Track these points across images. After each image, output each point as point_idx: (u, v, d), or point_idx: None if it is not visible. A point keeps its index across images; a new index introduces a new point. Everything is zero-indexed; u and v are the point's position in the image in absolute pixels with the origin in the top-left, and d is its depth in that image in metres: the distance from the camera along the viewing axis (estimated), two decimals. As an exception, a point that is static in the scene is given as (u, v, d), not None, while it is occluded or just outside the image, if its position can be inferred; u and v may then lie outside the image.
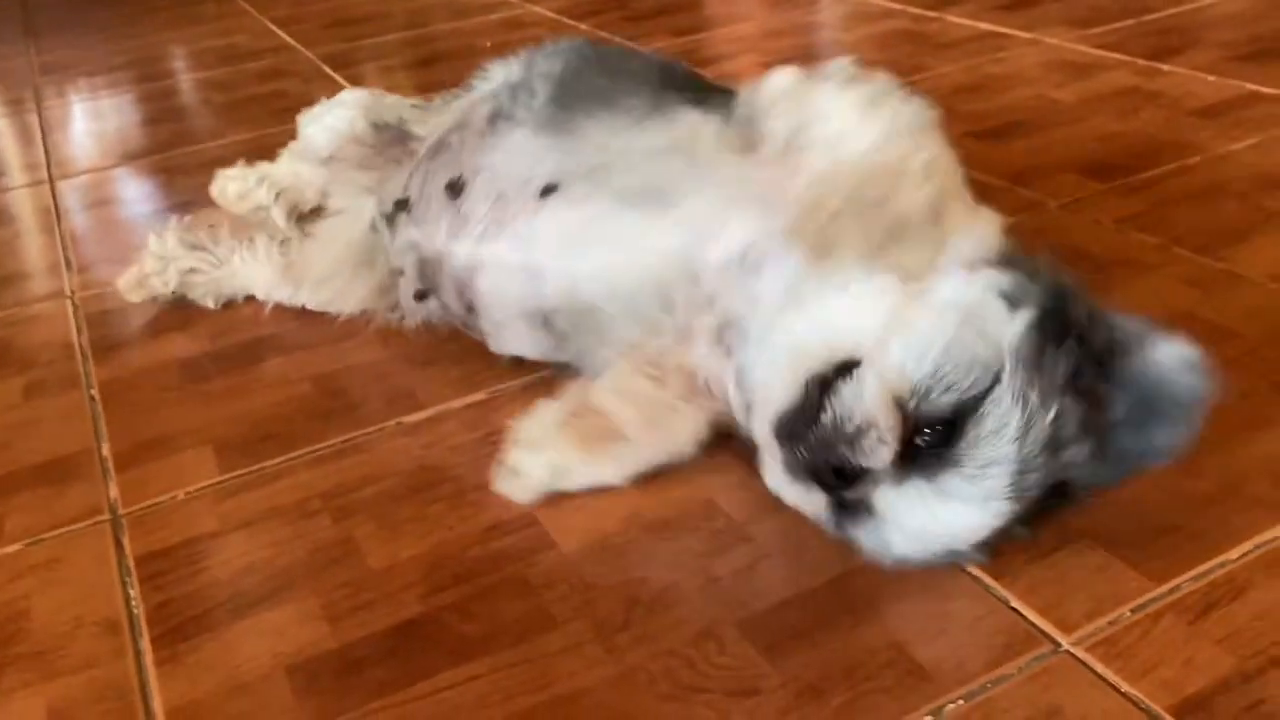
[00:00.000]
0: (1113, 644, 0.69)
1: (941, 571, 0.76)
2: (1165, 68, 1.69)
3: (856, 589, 0.75)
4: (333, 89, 1.98)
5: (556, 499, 0.87)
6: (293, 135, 1.29)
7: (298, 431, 0.99)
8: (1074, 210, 1.26)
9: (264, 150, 1.32)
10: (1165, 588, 0.73)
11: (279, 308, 1.19)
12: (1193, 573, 0.74)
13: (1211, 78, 1.63)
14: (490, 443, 0.95)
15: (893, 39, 2.01)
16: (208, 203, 1.31)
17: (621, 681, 0.70)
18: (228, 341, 1.15)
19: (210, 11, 2.79)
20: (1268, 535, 0.76)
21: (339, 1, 2.71)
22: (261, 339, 1.15)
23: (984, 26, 1.99)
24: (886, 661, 0.69)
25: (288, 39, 2.41)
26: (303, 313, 1.19)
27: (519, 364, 1.04)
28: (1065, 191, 1.31)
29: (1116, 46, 1.80)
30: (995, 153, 1.44)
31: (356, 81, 2.03)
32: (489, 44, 2.22)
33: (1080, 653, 0.69)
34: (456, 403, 1.01)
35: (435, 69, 2.13)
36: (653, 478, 0.88)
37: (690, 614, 0.75)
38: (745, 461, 0.88)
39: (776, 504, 0.83)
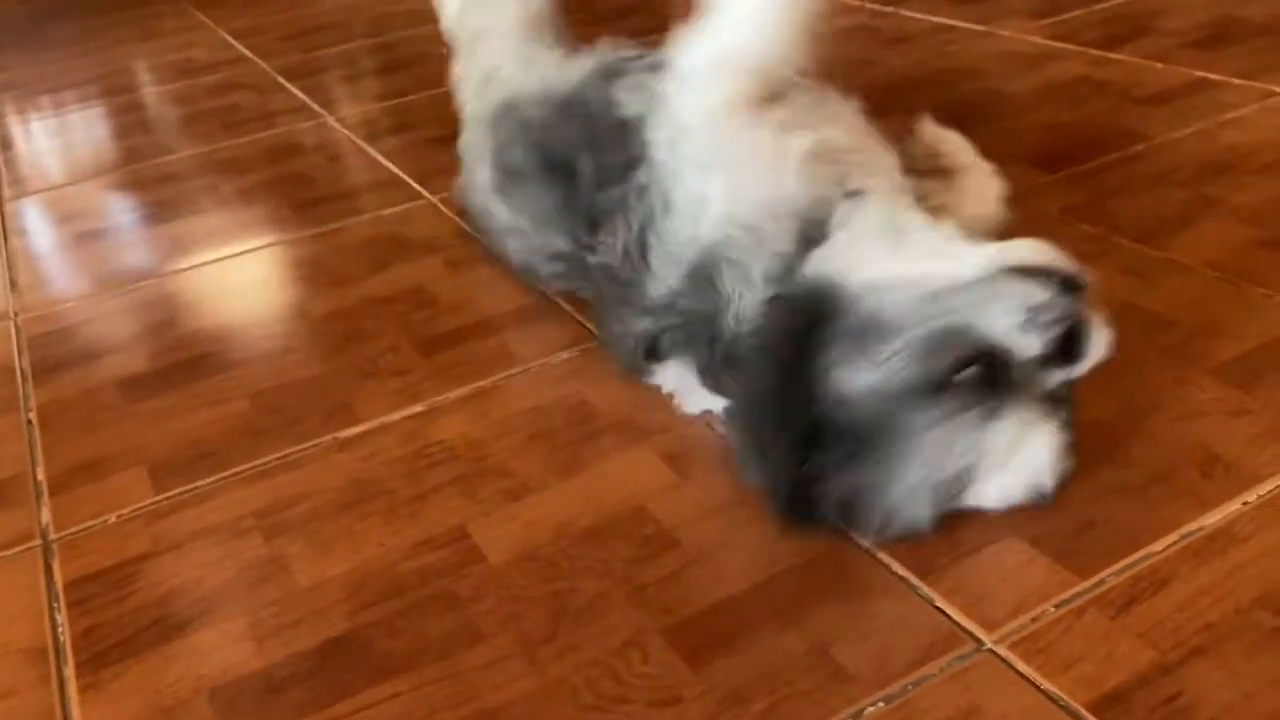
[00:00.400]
0: (1035, 641, 0.69)
1: (867, 571, 0.76)
2: (1116, 56, 1.69)
3: (782, 592, 0.75)
4: (290, 101, 1.98)
5: (488, 510, 0.86)
6: (246, 149, 1.27)
7: (234, 450, 0.98)
8: (1021, 202, 1.25)
9: (218, 165, 1.32)
10: (1089, 582, 0.73)
11: (219, 325, 1.19)
12: (1116, 566, 0.74)
13: (1160, 65, 1.63)
14: (426, 455, 0.94)
15: (847, 35, 2.01)
16: (162, 218, 1.30)
17: (544, 694, 0.69)
18: (167, 360, 1.14)
19: (169, 25, 2.78)
20: (1192, 525, 0.76)
21: (297, 13, 2.70)
22: (201, 357, 1.14)
23: (937, 20, 1.99)
24: (808, 665, 0.69)
25: (245, 51, 2.40)
26: (244, 328, 1.18)
27: (460, 376, 1.04)
28: (1013, 183, 1.30)
29: (1068, 36, 1.81)
30: (944, 147, 1.43)
31: (313, 93, 2.03)
32: (445, 51, 2.21)
33: (1003, 651, 0.69)
34: (395, 415, 1.01)
35: (395, 77, 2.12)
36: (582, 486, 0.87)
37: (617, 623, 0.74)
38: (676, 466, 0.88)
39: (706, 509, 0.83)
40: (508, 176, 1.15)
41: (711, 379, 0.88)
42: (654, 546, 0.81)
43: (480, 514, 0.86)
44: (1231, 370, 0.92)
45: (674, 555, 0.80)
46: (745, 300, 0.82)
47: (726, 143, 0.88)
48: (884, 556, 0.77)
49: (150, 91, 2.25)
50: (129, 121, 2.04)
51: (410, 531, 0.85)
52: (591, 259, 1.00)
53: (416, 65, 2.18)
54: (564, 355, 1.07)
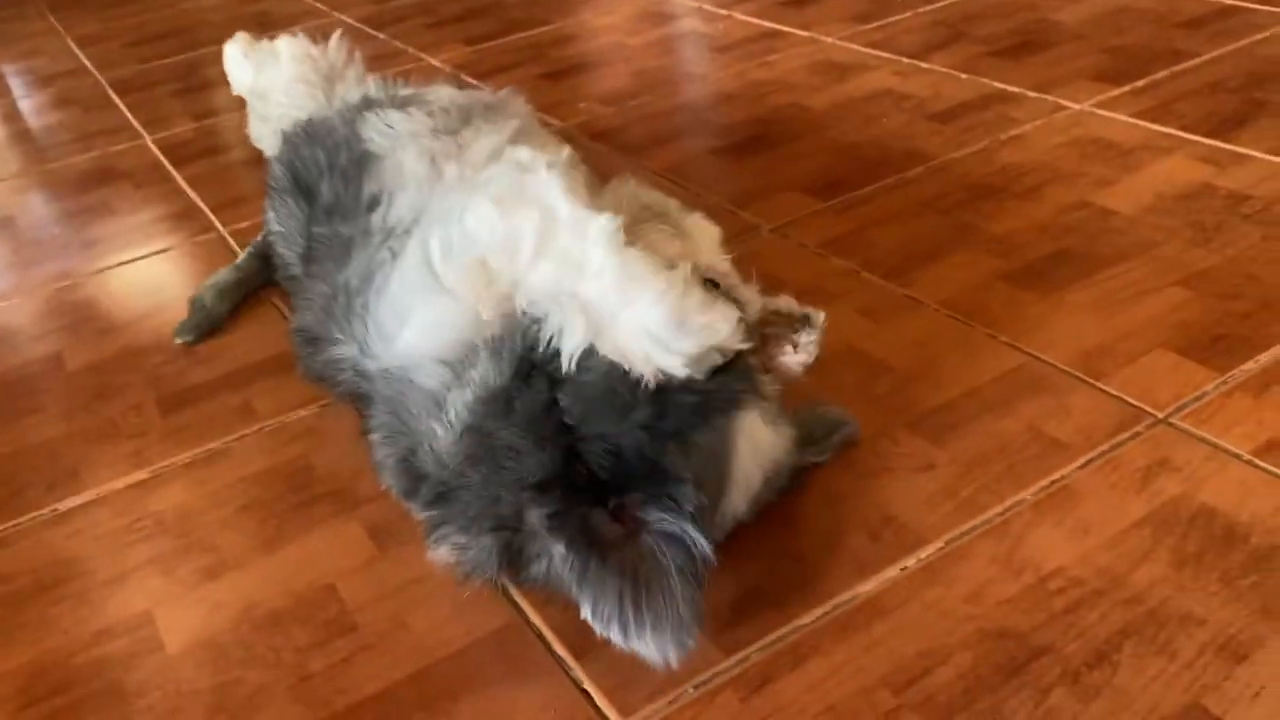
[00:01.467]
0: (666, 726, 0.70)
1: (528, 651, 0.76)
2: (925, 65, 1.70)
3: (441, 679, 0.76)
4: (113, 119, 1.94)
5: (181, 591, 0.86)
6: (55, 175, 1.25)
7: (-52, 526, 0.97)
8: (785, 233, 1.27)
9: (21, 192, 1.28)
10: (732, 660, 0.74)
11: (-35, 384, 1.17)
12: (763, 641, 0.75)
13: (964, 75, 1.64)
14: (136, 529, 0.93)
15: (677, 42, 2.00)
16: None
17: (181, 798, 0.69)
18: (-95, 425, 1.12)
19: (19, 30, 2.71)
20: (846, 595, 0.78)
21: (148, 17, 2.64)
22: (-57, 420, 1.12)
23: (766, 25, 1.99)
24: (441, 761, 0.70)
25: (85, 60, 2.34)
26: (-8, 387, 1.16)
27: (193, 438, 1.03)
28: (783, 212, 1.31)
29: (885, 43, 1.81)
30: (731, 171, 1.44)
31: (139, 109, 1.98)
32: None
33: (634, 737, 0.70)
34: (118, 483, 1.00)
35: (224, 92, 2.08)
36: (280, 564, 0.87)
37: (273, 719, 0.74)
38: (378, 539, 0.88)
39: (394, 585, 0.83)
40: (273, 190, 1.16)
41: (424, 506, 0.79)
42: (331, 631, 0.81)
43: (172, 596, 0.86)
44: (929, 421, 0.94)
45: (348, 640, 0.80)
46: (440, 439, 0.76)
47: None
48: (549, 634, 0.78)
49: (-24, 109, 2.19)
50: (-55, 144, 1.99)
51: (97, 618, 0.85)
52: (300, 295, 1.01)
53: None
54: (303, 412, 1.06)
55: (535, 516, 0.71)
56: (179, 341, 1.20)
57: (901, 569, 0.79)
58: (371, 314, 0.85)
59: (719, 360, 0.72)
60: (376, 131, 1.04)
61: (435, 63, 2.01)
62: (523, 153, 0.84)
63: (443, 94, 1.15)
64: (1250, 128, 1.36)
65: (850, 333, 1.06)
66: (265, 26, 2.44)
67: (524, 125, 1.07)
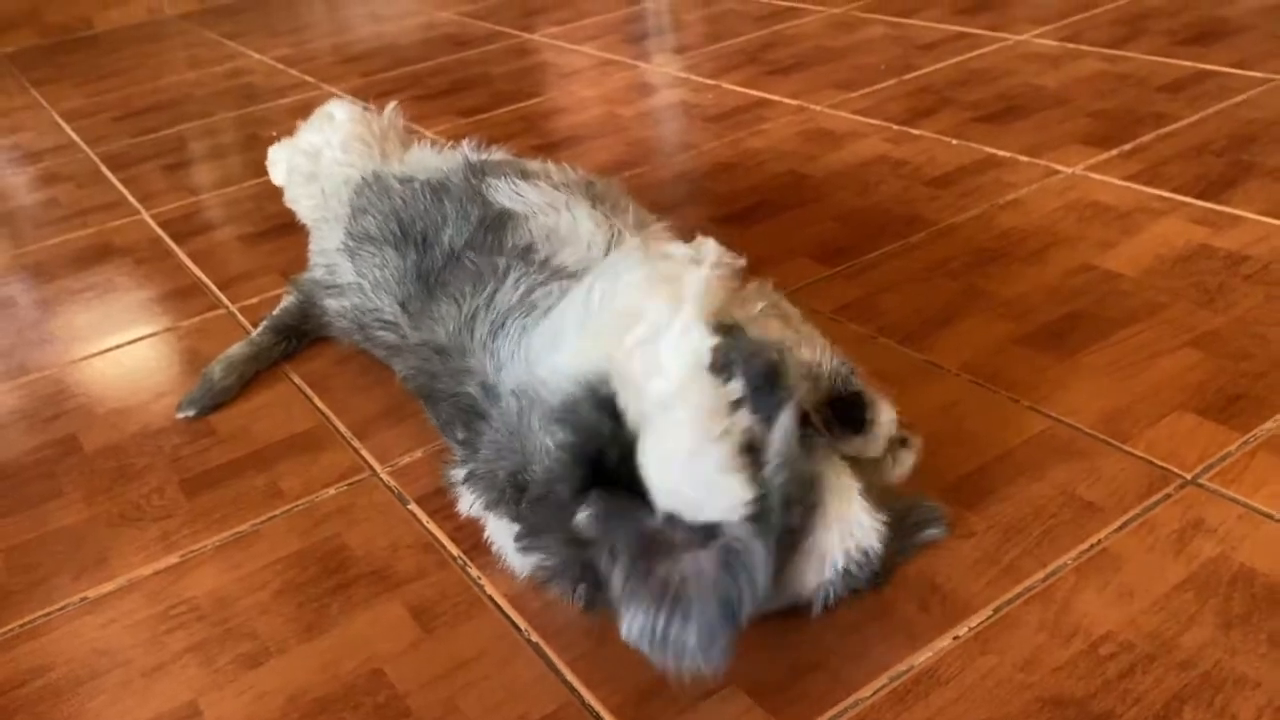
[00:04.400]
0: (735, 805, 0.70)
1: (586, 736, 0.76)
2: (915, 132, 1.74)
3: (500, 763, 0.75)
4: (108, 194, 1.94)
5: (223, 681, 0.85)
6: (53, 253, 1.24)
7: (-25, 618, 0.95)
8: (797, 299, 1.28)
9: (21, 271, 1.27)
10: (796, 736, 0.74)
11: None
12: (825, 716, 0.75)
13: (954, 141, 1.68)
14: (171, 617, 0.92)
15: (667, 113, 2.04)
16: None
17: None
18: (-78, 514, 1.10)
19: (1, 106, 2.70)
20: (902, 666, 0.78)
21: (134, 90, 2.65)
22: (-40, 507, 1.10)
23: (755, 94, 2.03)
24: None
25: (73, 135, 2.34)
26: (12, 468, 1.15)
27: (221, 520, 1.02)
28: (794, 278, 1.34)
29: (873, 111, 1.86)
30: (737, 238, 1.45)
31: (133, 184, 1.98)
32: (274, 134, 2.18)
33: (704, 818, 0.69)
34: (148, 569, 0.98)
35: (219, 164, 2.09)
36: (323, 649, 0.86)
37: (331, 808, 0.73)
38: (423, 620, 0.88)
39: (444, 668, 0.83)
40: (360, 240, 1.18)
41: (531, 536, 0.82)
42: (383, 716, 0.80)
43: (214, 686, 0.85)
44: (964, 487, 0.95)
45: (401, 725, 0.79)
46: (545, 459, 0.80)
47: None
48: (606, 715, 0.78)
49: (-36, 186, 2.18)
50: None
51: (141, 710, 0.83)
52: (414, 335, 1.04)
53: (243, 150, 2.15)
54: (332, 491, 1.06)
55: (583, 518, 0.73)
56: (180, 416, 1.20)
57: (954, 638, 0.80)
58: (527, 334, 0.91)
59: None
60: (506, 196, 1.10)
61: (430, 135, 2.03)
62: (710, 246, 0.87)
63: (550, 168, 1.19)
64: (1240, 189, 1.41)
65: (875, 400, 1.07)
66: (252, 99, 2.46)
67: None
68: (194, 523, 1.04)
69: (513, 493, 0.84)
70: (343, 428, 1.15)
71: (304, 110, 1.44)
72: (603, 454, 0.75)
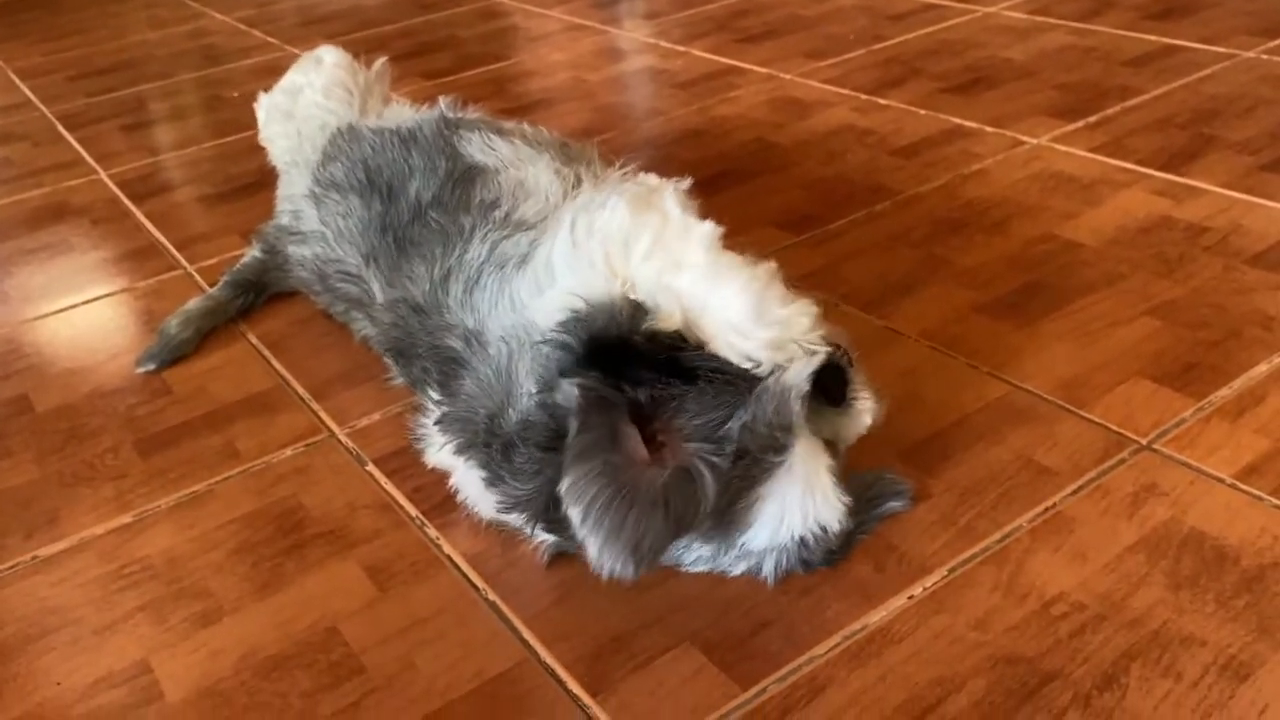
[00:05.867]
0: (688, 762, 0.70)
1: (543, 692, 0.76)
2: (883, 101, 1.74)
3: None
4: (64, 153, 1.90)
5: (176, 639, 0.84)
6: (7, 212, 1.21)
7: (-78, 576, 0.93)
8: (762, 267, 1.28)
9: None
10: (750, 693, 0.74)
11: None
12: (780, 673, 0.76)
13: (923, 112, 1.68)
14: (123, 575, 0.91)
15: (636, 79, 2.03)
16: None
17: None
18: None
19: (-46, 63, 2.64)
20: (856, 625, 0.79)
21: (92, 50, 2.59)
22: (-91, 465, 1.08)
23: (725, 61, 2.02)
24: (463, 804, 0.69)
25: (29, 94, 2.29)
26: (-41, 431, 1.13)
27: (176, 480, 1.01)
28: (759, 246, 1.32)
29: (842, 80, 1.85)
30: (703, 206, 1.44)
31: (90, 144, 1.95)
32: (236, 94, 2.15)
33: (656, 774, 0.70)
34: (100, 528, 0.97)
35: (179, 125, 2.06)
36: (277, 607, 0.86)
37: (283, 764, 0.73)
38: (378, 579, 0.87)
39: (398, 626, 0.83)
40: (326, 187, 1.17)
41: (496, 477, 0.84)
42: (337, 674, 0.80)
43: (167, 644, 0.84)
44: (922, 451, 0.95)
45: (356, 683, 0.79)
46: (526, 402, 0.81)
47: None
48: (562, 672, 0.78)
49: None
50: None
51: (91, 668, 0.82)
52: (389, 292, 1.03)
53: (205, 111, 2.12)
54: (289, 452, 1.05)
55: (566, 384, 0.75)
56: (139, 370, 1.19)
57: (909, 598, 0.81)
58: (507, 283, 0.91)
59: (798, 353, 0.78)
60: (477, 149, 1.11)
61: (396, 97, 2.00)
62: (652, 178, 0.96)
63: (525, 128, 1.20)
64: (1201, 161, 1.41)
65: (836, 365, 1.07)
66: (214, 60, 2.42)
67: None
68: (148, 482, 1.02)
69: (487, 436, 0.84)
70: (300, 389, 1.14)
71: (267, 72, 1.42)
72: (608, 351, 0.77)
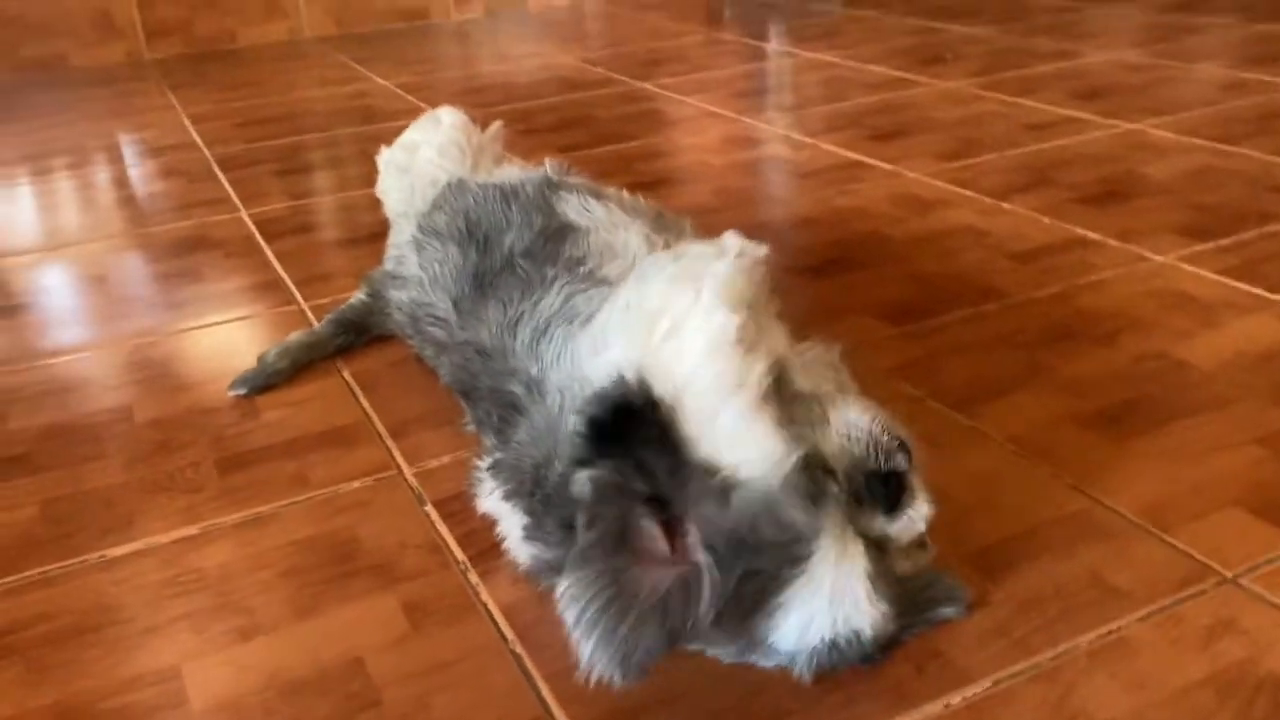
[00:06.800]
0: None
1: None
2: (1007, 206, 1.71)
3: (457, 766, 0.74)
4: (215, 191, 2.02)
5: (211, 649, 0.85)
6: (156, 239, 1.30)
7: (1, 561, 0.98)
8: (854, 355, 1.25)
9: (123, 252, 1.33)
10: (760, 781, 0.71)
11: (45, 424, 1.20)
12: (794, 765, 0.72)
13: (1047, 219, 1.64)
14: (177, 583, 0.94)
15: (761, 166, 2.04)
16: (35, 306, 1.31)
17: None
18: (-25, 460, 1.15)
19: (138, 104, 2.85)
20: (884, 727, 0.75)
21: (259, 100, 2.77)
22: (13, 459, 1.15)
23: (852, 156, 2.01)
24: None
25: (195, 136, 2.45)
26: (67, 429, 1.19)
27: (246, 500, 1.04)
28: (855, 334, 1.31)
29: (969, 182, 1.82)
30: (806, 291, 1.44)
31: (239, 185, 2.06)
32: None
33: None
34: (167, 536, 1.00)
35: (321, 175, 2.17)
36: (311, 632, 0.87)
37: (284, 786, 0.73)
38: (414, 618, 0.88)
39: (423, 667, 0.82)
40: (428, 234, 1.21)
41: (533, 530, 0.85)
42: (353, 705, 0.80)
43: (202, 653, 0.85)
44: (987, 556, 0.91)
45: (368, 716, 0.79)
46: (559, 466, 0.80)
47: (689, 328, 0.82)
48: (573, 734, 0.76)
49: (96, 170, 2.30)
50: (62, 200, 2.09)
51: (128, 666, 0.85)
52: (460, 334, 1.06)
53: (350, 164, 2.23)
54: (356, 484, 1.07)
55: (579, 475, 0.73)
56: (231, 394, 1.23)
57: (945, 705, 0.76)
58: (571, 339, 0.91)
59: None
60: (574, 210, 1.13)
61: (512, 158, 2.06)
62: (730, 237, 0.90)
63: (624, 195, 1.22)
64: (1339, 294, 1.33)
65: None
66: (368, 119, 2.54)
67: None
68: (220, 499, 1.06)
69: (533, 485, 0.84)
70: (380, 426, 1.17)
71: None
72: (623, 434, 0.74)
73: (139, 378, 1.32)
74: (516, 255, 1.08)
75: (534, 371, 0.93)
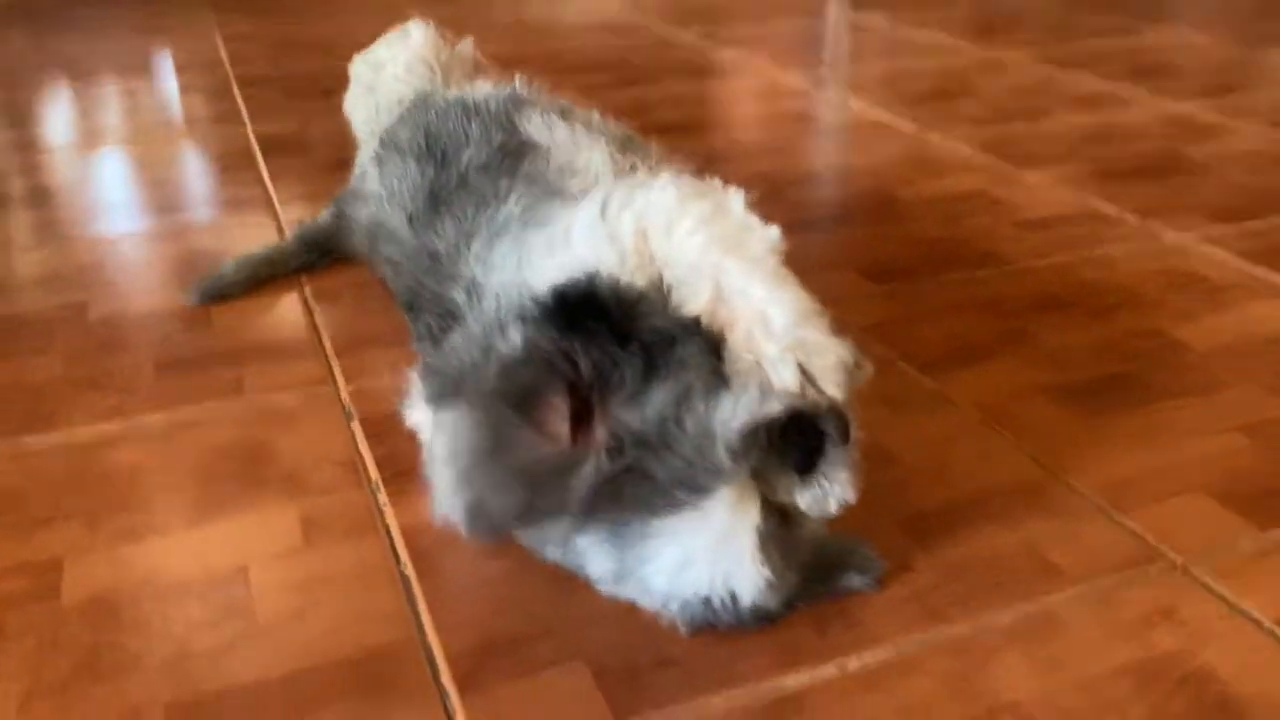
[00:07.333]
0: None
1: (414, 673, 0.70)
2: (1030, 175, 1.62)
3: (316, 683, 0.70)
4: (227, 107, 1.99)
5: (98, 547, 0.83)
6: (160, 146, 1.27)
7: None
8: (831, 310, 1.20)
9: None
10: (625, 726, 0.67)
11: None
12: (660, 714, 0.67)
13: (1067, 191, 1.56)
14: (84, 478, 0.92)
15: (779, 120, 1.97)
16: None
17: (12, 750, 0.65)
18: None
19: (175, 22, 2.84)
20: (768, 684, 0.70)
21: (296, 27, 2.74)
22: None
23: (878, 116, 1.94)
24: (280, 768, 0.64)
25: (224, 55, 2.43)
26: (16, 320, 1.17)
27: (176, 401, 1.01)
28: (834, 289, 1.24)
29: (993, 148, 1.74)
30: (804, 247, 1.37)
31: (250, 102, 2.04)
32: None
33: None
34: (85, 432, 0.98)
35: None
36: (202, 537, 0.84)
37: (134, 688, 0.70)
38: (310, 532, 0.84)
39: (304, 578, 0.79)
40: (389, 150, 1.17)
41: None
42: (227, 612, 0.76)
43: (88, 549, 0.83)
44: (922, 521, 0.85)
45: (240, 624, 0.75)
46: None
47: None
48: (441, 660, 0.72)
49: (116, 82, 2.29)
50: (72, 108, 2.09)
51: (10, 555, 0.82)
52: (412, 242, 1.03)
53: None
54: (287, 395, 1.03)
55: (513, 331, 0.70)
56: (182, 302, 1.21)
57: (840, 668, 0.71)
58: (523, 241, 0.87)
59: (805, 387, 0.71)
60: (536, 127, 1.08)
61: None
62: (718, 183, 0.87)
63: (593, 115, 1.17)
64: (1363, 286, 1.24)
65: (867, 421, 0.98)
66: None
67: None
68: (149, 400, 1.03)
69: (457, 389, 0.79)
70: (327, 342, 1.13)
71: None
72: (578, 323, 0.70)
73: (101, 278, 1.29)
74: (472, 170, 1.03)
75: (478, 275, 0.88)
